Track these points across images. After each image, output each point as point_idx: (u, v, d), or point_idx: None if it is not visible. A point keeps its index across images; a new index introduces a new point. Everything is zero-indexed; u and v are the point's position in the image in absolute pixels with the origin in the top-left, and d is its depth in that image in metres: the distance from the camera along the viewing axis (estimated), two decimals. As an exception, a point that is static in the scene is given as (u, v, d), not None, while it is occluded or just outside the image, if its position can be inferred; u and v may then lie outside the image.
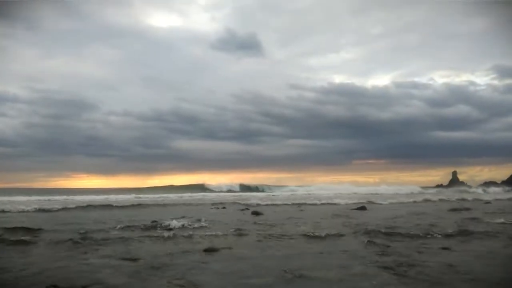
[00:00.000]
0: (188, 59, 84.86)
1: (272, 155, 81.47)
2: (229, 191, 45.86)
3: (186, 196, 30.73)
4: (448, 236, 7.90)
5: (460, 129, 78.23)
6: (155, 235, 8.37)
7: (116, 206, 17.70)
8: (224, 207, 17.34)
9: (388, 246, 6.82)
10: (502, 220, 10.56)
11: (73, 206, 17.45)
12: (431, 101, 72.69)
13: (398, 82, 79.59)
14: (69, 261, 5.81)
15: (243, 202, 20.08)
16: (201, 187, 48.24)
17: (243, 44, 76.97)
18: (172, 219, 11.00)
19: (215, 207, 17.32)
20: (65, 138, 71.96)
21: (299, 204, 18.99)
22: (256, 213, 13.73)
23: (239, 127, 77.73)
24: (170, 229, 9.16)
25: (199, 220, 10.99)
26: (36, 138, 69.14)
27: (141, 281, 4.74)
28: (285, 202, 20.14)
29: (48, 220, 11.86)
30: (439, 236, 7.90)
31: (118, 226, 9.68)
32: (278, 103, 78.29)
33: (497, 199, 22.64)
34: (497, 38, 60.62)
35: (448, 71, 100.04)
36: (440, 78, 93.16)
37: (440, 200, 22.87)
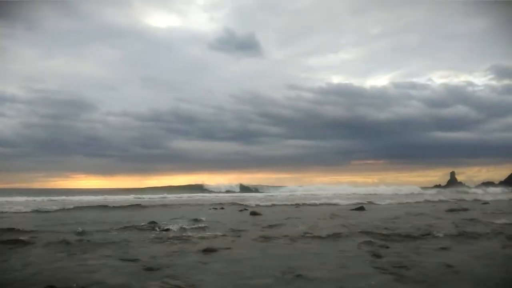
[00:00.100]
0: (187, 59, 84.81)
1: (270, 155, 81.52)
2: (228, 191, 45.87)
3: (185, 196, 30.72)
4: (446, 236, 7.91)
5: (459, 130, 78.45)
6: (154, 235, 8.35)
7: (115, 207, 17.67)
8: (222, 208, 17.33)
9: (387, 247, 6.82)
10: (500, 220, 10.58)
11: (71, 206, 17.42)
12: (430, 102, 72.89)
13: (396, 82, 79.70)
14: (67, 262, 5.79)
15: (241, 203, 20.07)
16: (199, 188, 48.25)
17: (242, 44, 76.99)
18: (170, 219, 11.01)
19: (213, 208, 17.31)
20: (64, 138, 71.83)
21: (298, 205, 19.00)
22: (254, 214, 13.73)
23: (238, 128, 77.74)
24: (169, 230, 9.14)
25: (197, 221, 10.99)
26: (35, 138, 68.99)
27: (140, 281, 4.72)
28: (284, 203, 20.15)
29: (46, 221, 11.82)
30: (437, 236, 7.90)
31: (116, 227, 9.66)
32: (277, 104, 78.34)
33: (495, 200, 22.68)
34: (496, 38, 60.91)
35: (447, 71, 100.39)
36: (438, 79, 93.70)
37: (438, 200, 22.91)
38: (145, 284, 4.63)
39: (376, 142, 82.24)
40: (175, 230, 9.17)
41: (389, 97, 74.79)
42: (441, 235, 8.03)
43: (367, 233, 8.34)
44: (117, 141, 74.78)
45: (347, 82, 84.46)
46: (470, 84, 78.44)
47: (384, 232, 8.46)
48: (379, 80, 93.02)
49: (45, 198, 24.17)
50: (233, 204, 19.55)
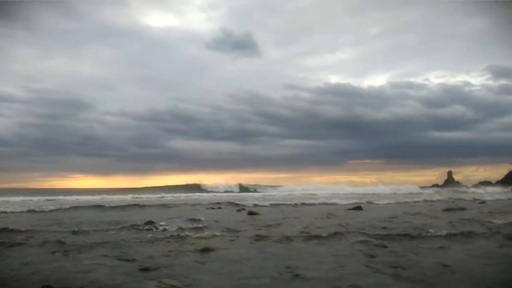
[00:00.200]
0: (185, 59, 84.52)
1: (268, 155, 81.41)
2: (225, 191, 45.81)
3: (182, 196, 30.64)
4: (443, 236, 7.91)
5: (456, 129, 78.72)
6: (151, 235, 8.32)
7: (112, 207, 17.59)
8: (220, 208, 17.29)
9: (384, 246, 6.82)
10: (497, 220, 10.61)
11: (68, 206, 17.33)
12: (427, 101, 73.08)
13: (393, 82, 79.83)
14: (64, 262, 5.76)
15: (239, 202, 20.04)
16: (197, 187, 48.11)
17: (239, 44, 76.83)
18: (168, 219, 10.97)
19: (211, 208, 17.27)
20: (61, 138, 71.39)
21: (296, 204, 18.99)
22: (252, 213, 13.71)
23: (235, 127, 77.61)
24: (166, 230, 9.11)
25: (195, 221, 10.95)
26: (32, 138, 68.54)
27: (137, 281, 4.70)
28: (282, 202, 20.13)
29: (42, 220, 11.75)
30: (435, 236, 7.91)
31: (113, 227, 9.62)
32: (274, 103, 78.26)
33: (492, 199, 22.77)
34: (493, 39, 60.83)
35: (443, 71, 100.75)
36: (435, 79, 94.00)
37: (436, 200, 22.96)
38: (142, 284, 4.61)
39: (373, 141, 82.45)
40: (173, 230, 9.14)
41: (387, 97, 74.97)
42: (438, 234, 8.04)
43: (364, 232, 8.34)
44: (114, 141, 74.53)
45: (344, 82, 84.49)
46: (467, 84, 78.65)
47: (382, 231, 8.47)
48: (376, 80, 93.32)
49: (42, 198, 24.05)
50: (231, 204, 19.51)
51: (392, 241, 7.38)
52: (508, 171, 64.97)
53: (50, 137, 70.99)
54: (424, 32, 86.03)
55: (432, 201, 22.14)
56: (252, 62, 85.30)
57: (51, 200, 23.01)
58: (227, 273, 5.06)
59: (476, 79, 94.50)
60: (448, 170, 73.37)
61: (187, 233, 8.59)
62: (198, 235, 8.31)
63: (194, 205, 19.15)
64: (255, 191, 48.77)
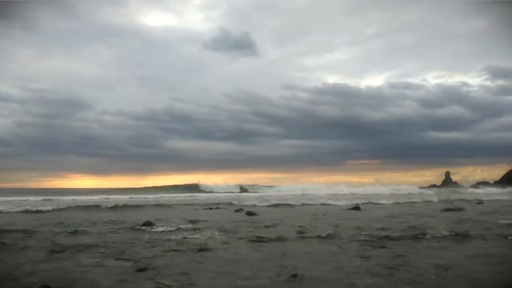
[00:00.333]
0: (183, 59, 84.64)
1: (266, 155, 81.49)
2: (224, 191, 45.74)
3: (180, 196, 30.57)
4: (441, 236, 7.90)
5: (453, 130, 79.02)
6: (148, 235, 8.29)
7: (110, 207, 17.52)
8: (218, 208, 17.26)
9: (382, 247, 6.81)
10: (495, 220, 10.62)
11: (64, 206, 17.25)
12: (425, 102, 73.33)
13: (391, 82, 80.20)
14: (61, 262, 5.73)
15: (237, 203, 20.01)
16: (195, 188, 48.03)
17: (237, 44, 76.98)
18: (166, 219, 10.93)
19: (209, 208, 17.23)
20: (58, 138, 71.35)
21: (294, 205, 18.97)
22: (250, 214, 13.68)
23: (233, 127, 77.66)
24: (164, 230, 9.07)
25: (193, 221, 10.92)
26: (29, 137, 68.47)
27: (135, 282, 4.67)
28: (280, 202, 20.10)
29: (39, 220, 11.68)
30: (433, 236, 7.90)
31: (111, 227, 9.58)
32: (272, 103, 78.40)
33: (489, 200, 22.80)
34: (491, 39, 61.35)
35: (441, 71, 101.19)
36: (433, 79, 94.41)
37: (434, 200, 22.98)
38: (139, 284, 4.58)
39: (371, 142, 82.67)
40: (170, 230, 9.10)
41: (384, 97, 75.22)
42: (436, 234, 8.03)
43: (362, 233, 8.33)
44: (112, 141, 74.46)
45: (342, 82, 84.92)
46: (465, 84, 79.16)
47: (379, 232, 8.46)
48: (374, 80, 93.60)
49: (38, 198, 23.94)
50: (229, 204, 19.48)
51: (390, 241, 7.36)
52: (506, 171, 65.31)
53: (48, 137, 70.97)
54: (422, 32, 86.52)
55: (430, 201, 22.16)
56: (250, 62, 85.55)
57: (48, 200, 22.91)
58: (224, 273, 5.04)
59: (473, 80, 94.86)
60: (446, 171, 73.67)
61: (185, 233, 8.56)
62: (196, 235, 8.28)
63: (192, 205, 19.12)
64: (252, 189, 48.77)
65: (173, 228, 9.29)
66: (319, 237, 7.87)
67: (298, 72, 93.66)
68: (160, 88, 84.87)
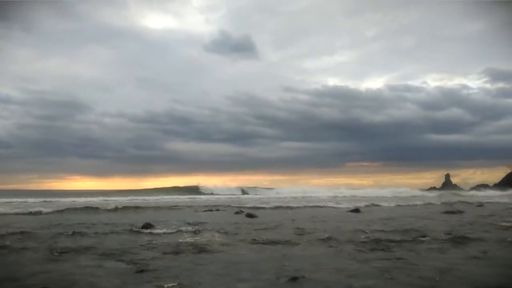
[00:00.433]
0: (183, 61, 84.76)
1: (266, 157, 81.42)
2: (224, 193, 45.68)
3: (180, 198, 30.55)
4: (441, 238, 7.90)
5: (453, 132, 78.98)
6: (148, 237, 8.27)
7: (110, 209, 17.51)
8: (218, 210, 17.25)
9: (382, 249, 6.80)
10: (495, 223, 10.61)
11: (64, 208, 17.23)
12: (424, 104, 73.45)
13: (391, 85, 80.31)
14: (61, 264, 5.72)
15: (237, 205, 19.99)
16: (195, 189, 47.99)
17: (237, 46, 77.12)
18: (165, 221, 10.92)
19: (209, 210, 17.22)
20: (58, 139, 71.32)
21: (294, 207, 18.95)
22: (250, 216, 13.66)
23: (233, 129, 77.75)
24: (164, 232, 9.06)
25: (193, 223, 10.90)
26: (29, 139, 68.45)
27: (134, 284, 4.66)
28: (280, 205, 20.09)
29: (38, 222, 11.67)
30: (433, 239, 7.89)
31: (111, 229, 9.57)
32: (272, 105, 78.47)
33: (489, 202, 22.79)
34: (490, 41, 61.50)
35: (441, 74, 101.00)
36: (433, 81, 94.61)
37: (434, 203, 22.96)
38: (138, 286, 4.58)
39: (371, 144, 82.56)
40: (170, 232, 9.09)
41: (384, 100, 75.35)
42: (436, 237, 8.03)
43: (362, 235, 8.32)
44: (112, 142, 74.50)
45: (342, 84, 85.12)
46: (465, 87, 79.07)
47: (379, 234, 8.45)
48: (374, 83, 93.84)
49: (38, 200, 23.93)
50: (229, 206, 19.47)
51: (390, 244, 7.35)
52: (506, 174, 65.20)
53: (48, 139, 70.95)
54: (422, 34, 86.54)
55: (430, 204, 22.15)
56: (251, 64, 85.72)
57: (48, 202, 22.89)
58: (224, 275, 5.03)
59: (473, 82, 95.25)
60: (446, 173, 73.56)
61: (184, 235, 8.55)
62: (195, 237, 8.27)
63: (192, 207, 19.11)
64: (252, 191, 48.72)
65: (173, 230, 9.28)
66: (319, 239, 7.87)
67: (298, 74, 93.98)
68: (160, 90, 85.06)
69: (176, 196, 33.13)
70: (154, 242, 7.68)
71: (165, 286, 4.54)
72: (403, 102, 74.11)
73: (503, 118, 73.52)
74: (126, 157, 75.82)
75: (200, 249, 6.79)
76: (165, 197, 31.14)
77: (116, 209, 17.53)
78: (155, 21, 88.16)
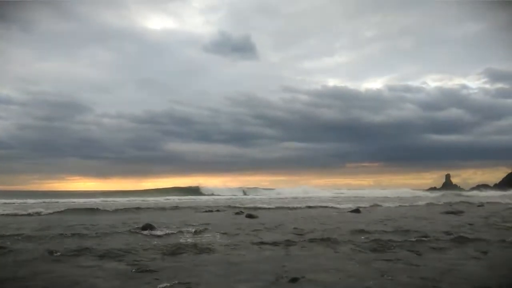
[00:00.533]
0: (183, 62, 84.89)
1: (266, 158, 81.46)
2: (224, 194, 45.66)
3: (181, 199, 30.53)
4: (442, 239, 7.89)
5: (453, 132, 78.97)
6: (148, 238, 8.26)
7: (110, 210, 17.49)
8: (218, 210, 17.23)
9: (383, 250, 6.79)
10: (495, 223, 10.59)
11: (64, 209, 17.21)
12: (424, 105, 73.50)
13: (391, 85, 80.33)
14: (61, 265, 5.72)
15: (237, 205, 19.98)
16: (196, 190, 47.97)
17: (237, 47, 77.27)
18: (165, 222, 10.90)
19: (209, 210, 17.20)
20: (58, 140, 71.42)
21: (294, 207, 18.94)
22: (250, 216, 13.65)
23: (233, 130, 77.85)
24: (164, 233, 9.05)
25: (192, 224, 10.89)
26: (29, 140, 68.53)
27: (134, 285, 4.66)
28: (280, 205, 20.08)
29: (37, 223, 11.65)
30: (433, 239, 7.88)
31: (111, 230, 9.55)
32: (272, 106, 78.56)
33: (490, 202, 22.77)
34: (490, 42, 61.57)
35: (441, 74, 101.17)
36: (432, 82, 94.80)
37: (434, 203, 22.94)
38: (139, 287, 4.57)
39: (371, 144, 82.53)
40: (170, 233, 9.08)
41: (384, 100, 75.43)
42: (437, 237, 8.01)
43: (362, 235, 8.31)
44: (112, 143, 74.51)
45: (342, 85, 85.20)
46: (464, 87, 79.04)
47: (379, 234, 8.43)
48: (374, 83, 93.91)
49: (38, 201, 23.91)
50: (229, 206, 19.46)
51: (391, 244, 7.34)
52: (506, 174, 65.24)
53: (48, 139, 70.97)
54: (421, 35, 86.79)
55: (430, 204, 22.13)
56: (251, 65, 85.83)
57: (48, 202, 22.87)
58: (224, 276, 5.02)
59: (473, 83, 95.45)
60: (446, 173, 73.67)
61: (185, 236, 8.54)
62: (196, 238, 8.26)
63: (192, 208, 19.08)
64: (251, 191, 48.70)
65: (173, 231, 9.27)
66: (319, 240, 7.85)
67: (298, 75, 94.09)
68: (160, 91, 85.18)
69: (176, 197, 33.11)
70: (154, 243, 7.67)
71: (165, 286, 4.54)
72: (403, 102, 74.29)
73: (503, 118, 73.57)
74: (126, 157, 75.91)
75: (200, 250, 6.78)
76: (165, 197, 31.11)
77: (116, 210, 17.51)
78: (155, 22, 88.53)
